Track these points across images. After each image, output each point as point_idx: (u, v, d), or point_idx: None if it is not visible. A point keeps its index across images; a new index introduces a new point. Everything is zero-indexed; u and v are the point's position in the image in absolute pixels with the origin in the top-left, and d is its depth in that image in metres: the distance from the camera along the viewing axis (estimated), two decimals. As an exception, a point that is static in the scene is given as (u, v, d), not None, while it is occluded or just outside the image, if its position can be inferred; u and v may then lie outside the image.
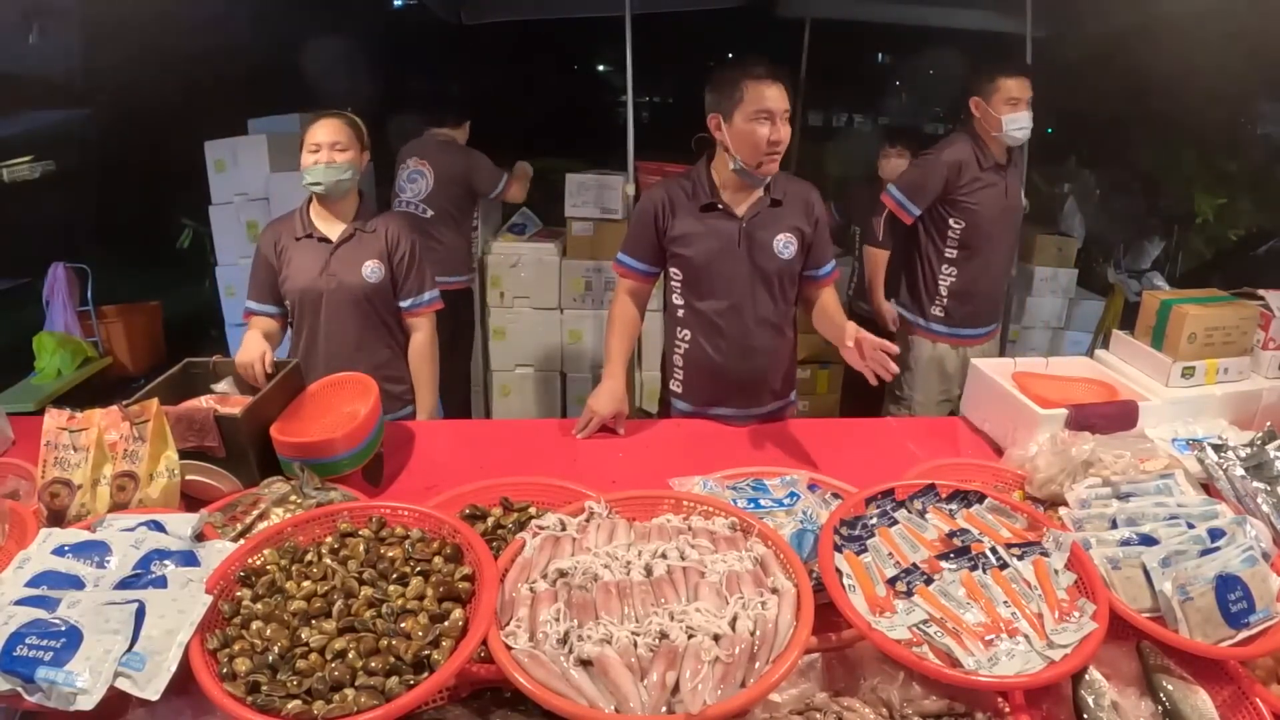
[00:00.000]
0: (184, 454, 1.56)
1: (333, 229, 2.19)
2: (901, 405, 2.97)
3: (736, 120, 1.90)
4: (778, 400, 2.19)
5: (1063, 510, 1.48)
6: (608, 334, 2.13)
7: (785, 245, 2.01)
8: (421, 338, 2.30)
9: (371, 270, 2.18)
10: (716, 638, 1.04)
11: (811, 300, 2.11)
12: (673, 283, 2.11)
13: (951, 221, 2.71)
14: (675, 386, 2.19)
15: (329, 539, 1.25)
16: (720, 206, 2.01)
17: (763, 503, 1.45)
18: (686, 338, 2.12)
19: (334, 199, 2.16)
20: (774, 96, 1.87)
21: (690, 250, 2.02)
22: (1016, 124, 2.60)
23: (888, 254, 2.96)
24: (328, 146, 2.08)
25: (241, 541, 1.28)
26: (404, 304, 2.26)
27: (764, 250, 2.01)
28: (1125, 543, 1.30)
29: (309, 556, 1.21)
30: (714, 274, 2.03)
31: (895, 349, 1.67)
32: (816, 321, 2.05)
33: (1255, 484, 1.53)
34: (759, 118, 1.88)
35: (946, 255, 2.76)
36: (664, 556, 1.20)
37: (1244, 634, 1.19)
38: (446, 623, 1.07)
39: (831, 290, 2.10)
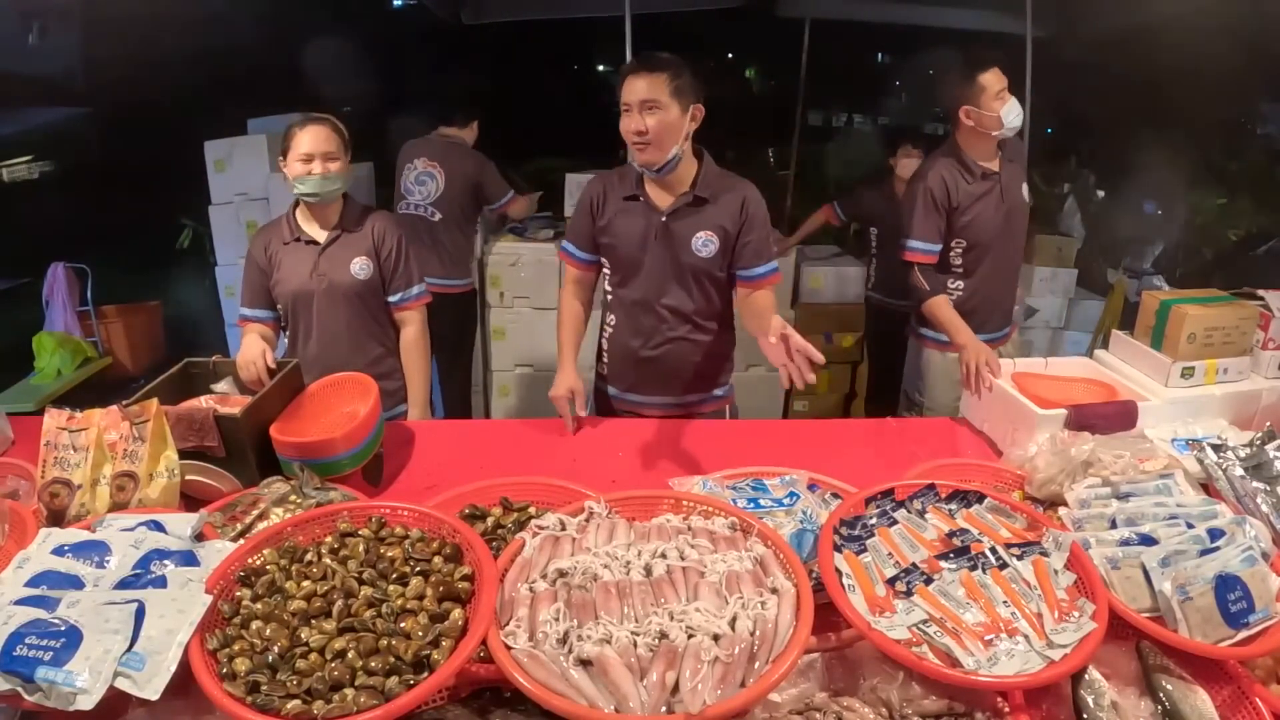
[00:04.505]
0: (184, 454, 1.56)
1: (320, 231, 2.21)
2: (914, 410, 2.96)
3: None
4: (698, 394, 2.20)
5: (1062, 510, 1.48)
6: (557, 330, 2.20)
7: (705, 243, 2.02)
8: (413, 331, 2.32)
9: (360, 267, 2.20)
10: (716, 638, 1.04)
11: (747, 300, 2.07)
12: (605, 270, 2.19)
13: (952, 242, 2.63)
14: (602, 370, 2.27)
15: (329, 539, 1.25)
16: (641, 199, 2.05)
17: (762, 503, 1.45)
18: (612, 323, 2.20)
19: (323, 204, 2.19)
20: (630, 88, 1.92)
21: (612, 239, 2.09)
22: (1013, 113, 2.49)
23: (946, 296, 2.62)
24: (320, 157, 2.08)
25: (241, 541, 1.28)
26: (393, 299, 2.28)
27: (682, 246, 2.03)
28: (1125, 543, 1.30)
29: (309, 556, 1.21)
30: (632, 264, 2.08)
31: (820, 359, 1.52)
32: (744, 318, 2.05)
33: (1255, 484, 1.53)
34: (622, 109, 1.95)
35: (954, 270, 2.71)
36: (664, 556, 1.20)
37: (1243, 634, 1.18)
38: (446, 623, 1.07)
39: (768, 292, 2.06)
